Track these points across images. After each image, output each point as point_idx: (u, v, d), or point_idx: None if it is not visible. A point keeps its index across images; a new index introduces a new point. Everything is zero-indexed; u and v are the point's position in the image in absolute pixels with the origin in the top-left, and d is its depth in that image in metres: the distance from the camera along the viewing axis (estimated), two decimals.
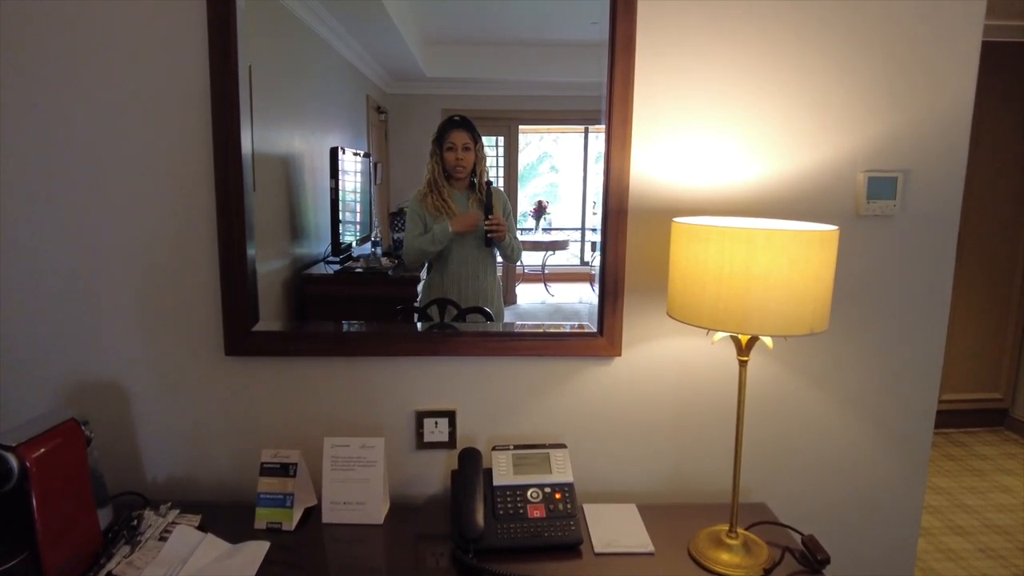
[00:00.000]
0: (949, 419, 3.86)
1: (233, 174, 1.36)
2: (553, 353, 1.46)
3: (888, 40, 1.40)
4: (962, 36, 1.40)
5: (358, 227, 1.67)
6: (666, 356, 1.49)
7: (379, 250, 1.68)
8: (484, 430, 1.51)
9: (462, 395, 1.49)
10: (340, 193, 1.58)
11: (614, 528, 1.35)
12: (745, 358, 1.22)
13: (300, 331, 1.48)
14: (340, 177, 1.58)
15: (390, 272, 1.64)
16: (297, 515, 1.35)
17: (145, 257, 1.41)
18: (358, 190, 1.65)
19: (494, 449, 1.40)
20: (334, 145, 1.57)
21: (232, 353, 1.42)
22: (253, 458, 1.44)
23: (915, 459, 1.56)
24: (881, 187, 1.45)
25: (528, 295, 1.76)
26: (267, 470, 1.36)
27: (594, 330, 1.47)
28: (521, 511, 1.31)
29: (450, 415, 1.48)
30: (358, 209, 1.66)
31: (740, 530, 1.30)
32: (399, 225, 1.66)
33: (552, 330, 1.48)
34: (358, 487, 1.37)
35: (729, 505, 1.31)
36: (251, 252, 1.40)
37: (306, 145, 1.58)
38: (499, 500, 1.32)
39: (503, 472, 1.36)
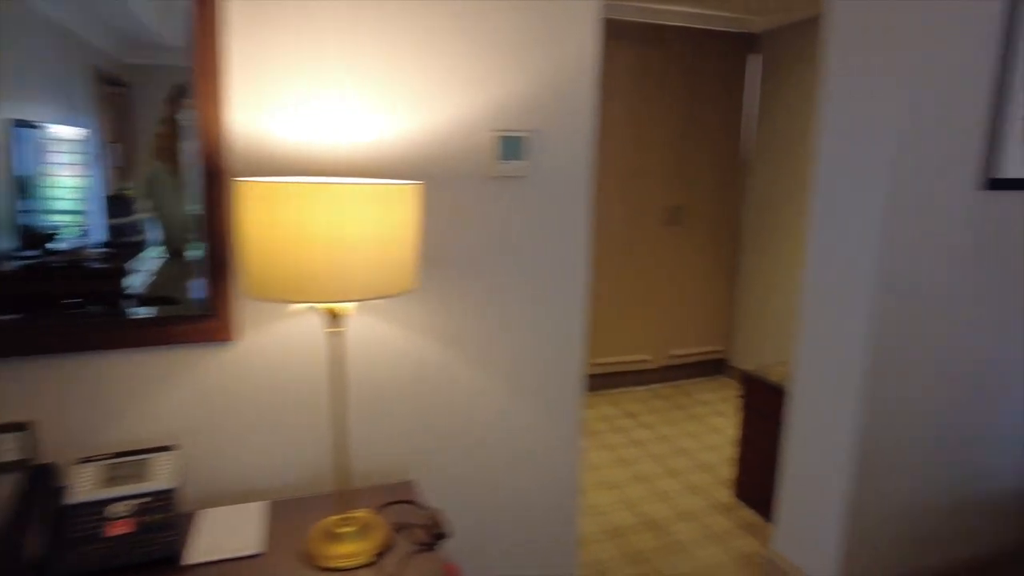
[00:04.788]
0: (680, 372, 4.26)
1: None
2: (154, 343, 1.26)
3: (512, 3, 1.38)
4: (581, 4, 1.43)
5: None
6: (292, 335, 1.35)
7: None
8: (79, 442, 1.27)
9: (44, 403, 1.24)
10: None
11: (225, 532, 1.20)
12: (338, 328, 1.12)
13: None
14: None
15: None
16: None
17: None
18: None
19: (77, 463, 1.18)
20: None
21: None
22: None
23: (567, 420, 1.60)
24: (512, 147, 1.44)
25: None
26: None
27: (203, 312, 1.29)
28: (100, 530, 1.11)
29: (19, 427, 1.22)
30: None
31: (362, 514, 1.21)
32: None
33: (150, 315, 1.28)
34: None
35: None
36: None
37: None
38: (73, 521, 1.11)
39: (85, 488, 1.15)
